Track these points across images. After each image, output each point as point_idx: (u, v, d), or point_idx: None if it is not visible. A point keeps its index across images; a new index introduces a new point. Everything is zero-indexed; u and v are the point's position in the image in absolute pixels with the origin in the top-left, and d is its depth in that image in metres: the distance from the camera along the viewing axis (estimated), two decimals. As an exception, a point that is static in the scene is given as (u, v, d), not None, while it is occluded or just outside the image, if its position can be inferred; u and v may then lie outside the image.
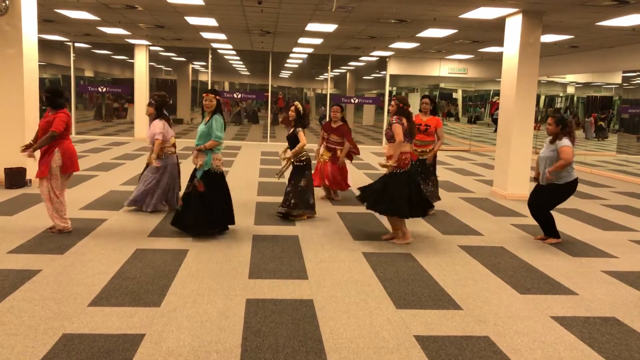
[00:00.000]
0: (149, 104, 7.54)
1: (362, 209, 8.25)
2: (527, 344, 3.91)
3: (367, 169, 12.95)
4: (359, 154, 9.12)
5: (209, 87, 19.99)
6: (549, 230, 6.81)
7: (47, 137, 6.03)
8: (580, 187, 11.36)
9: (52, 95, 6.17)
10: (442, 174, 12.59)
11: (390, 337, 3.93)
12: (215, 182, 6.40)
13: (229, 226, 6.74)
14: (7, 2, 8.64)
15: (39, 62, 9.45)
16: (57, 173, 6.14)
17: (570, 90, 27.52)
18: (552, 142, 6.51)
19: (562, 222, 7.94)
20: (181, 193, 7.42)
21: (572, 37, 12.55)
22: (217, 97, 6.40)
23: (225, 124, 6.48)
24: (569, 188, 6.54)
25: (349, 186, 9.01)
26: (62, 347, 3.58)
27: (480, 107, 32.63)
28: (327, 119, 9.15)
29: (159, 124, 7.36)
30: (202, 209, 6.31)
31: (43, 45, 12.51)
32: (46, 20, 13.45)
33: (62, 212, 6.29)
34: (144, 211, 7.49)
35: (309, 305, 4.47)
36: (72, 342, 3.66)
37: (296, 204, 7.42)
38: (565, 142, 6.38)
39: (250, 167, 12.58)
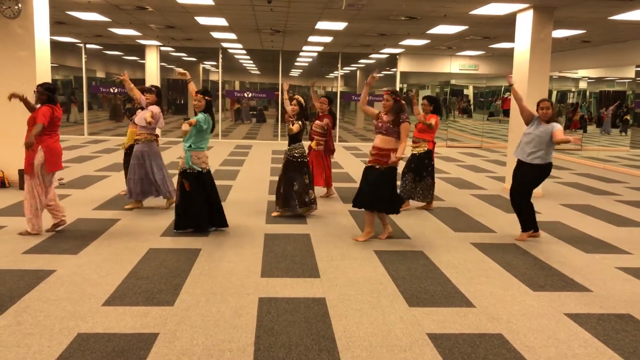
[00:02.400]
0: (150, 91, 7.59)
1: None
2: (540, 342, 3.89)
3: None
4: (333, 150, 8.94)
5: (220, 87, 20.07)
6: (528, 221, 6.71)
7: (35, 130, 6.01)
8: (593, 183, 11.32)
9: (52, 93, 6.23)
10: (453, 170, 12.56)
11: (403, 335, 3.93)
12: (197, 181, 6.43)
13: (225, 227, 6.77)
14: (20, 5, 8.72)
15: (51, 64, 9.53)
16: (38, 172, 6.15)
17: (583, 85, 27.29)
18: (547, 122, 6.46)
19: (575, 219, 7.89)
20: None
21: (584, 31, 12.45)
22: (207, 97, 6.47)
23: (214, 121, 6.57)
24: (548, 169, 6.52)
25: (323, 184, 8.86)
26: (78, 346, 3.62)
27: (495, 101, 32.49)
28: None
29: (157, 108, 7.53)
30: (183, 208, 6.49)
31: (55, 47, 12.60)
32: (58, 22, 13.56)
33: (38, 210, 6.26)
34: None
35: (321, 303, 4.47)
36: (87, 341, 3.69)
37: (290, 204, 7.44)
38: (559, 125, 6.42)
39: (261, 166, 12.61)
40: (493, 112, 31.53)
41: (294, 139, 7.39)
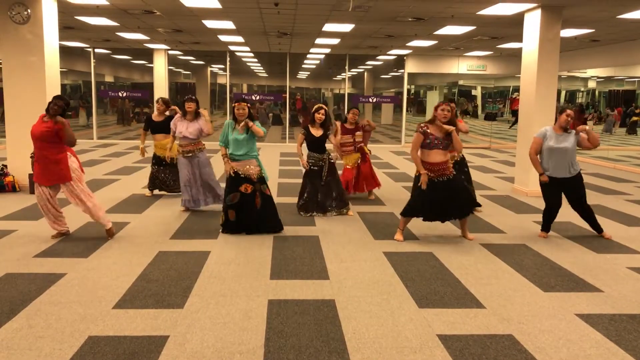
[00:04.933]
0: (191, 100, 7.70)
1: (382, 208, 8.26)
2: (552, 342, 3.86)
3: (387, 168, 12.91)
4: None
5: (227, 90, 20.11)
6: (596, 222, 6.87)
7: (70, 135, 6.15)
8: (603, 183, 11.25)
9: (67, 105, 6.23)
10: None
11: (413, 337, 3.92)
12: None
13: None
14: (29, 11, 8.79)
15: (60, 68, 9.59)
16: (76, 175, 6.29)
17: (592, 84, 27.16)
18: (566, 131, 6.49)
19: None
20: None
21: (593, 30, 12.38)
22: (249, 105, 6.60)
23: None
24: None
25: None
26: (89, 349, 3.63)
27: (500, 103, 32.41)
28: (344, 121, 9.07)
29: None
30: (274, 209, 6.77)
31: (64, 52, 12.72)
32: (67, 27, 13.66)
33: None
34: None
35: (330, 305, 4.47)
36: (98, 344, 3.71)
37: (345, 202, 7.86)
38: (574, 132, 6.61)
39: (270, 168, 12.62)
40: (497, 113, 31.40)
41: (324, 145, 7.69)
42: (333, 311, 4.34)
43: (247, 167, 6.54)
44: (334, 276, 5.19)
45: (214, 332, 3.92)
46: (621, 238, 6.82)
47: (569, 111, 6.47)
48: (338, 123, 8.25)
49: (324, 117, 7.52)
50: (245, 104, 6.53)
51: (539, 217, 7.81)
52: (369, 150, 8.80)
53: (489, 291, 4.88)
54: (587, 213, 6.77)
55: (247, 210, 6.56)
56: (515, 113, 25.05)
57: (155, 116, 8.73)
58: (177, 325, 4.04)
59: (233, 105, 6.59)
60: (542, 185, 6.63)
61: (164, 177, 8.74)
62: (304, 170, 7.71)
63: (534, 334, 3.99)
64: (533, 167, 6.71)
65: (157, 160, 8.71)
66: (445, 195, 6.21)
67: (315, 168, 7.61)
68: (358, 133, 8.60)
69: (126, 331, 3.92)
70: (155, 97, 18.62)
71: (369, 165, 8.74)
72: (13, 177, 9.06)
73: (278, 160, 14.15)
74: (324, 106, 7.68)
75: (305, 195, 7.70)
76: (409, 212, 6.46)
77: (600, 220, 7.78)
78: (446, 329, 4.06)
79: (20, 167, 9.01)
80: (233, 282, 4.99)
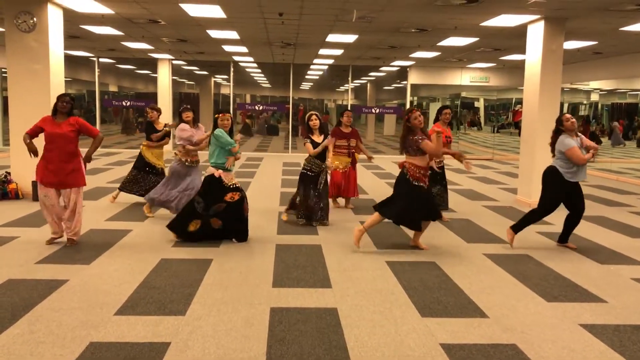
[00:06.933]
0: (188, 110, 7.75)
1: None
2: (555, 352, 3.84)
3: (389, 178, 12.90)
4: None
5: (231, 101, 20.14)
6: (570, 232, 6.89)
7: (98, 140, 6.28)
8: (606, 195, 11.23)
9: (73, 100, 6.26)
10: (465, 182, 12.51)
11: (416, 346, 3.89)
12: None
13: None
14: (35, 19, 8.85)
15: (65, 77, 9.63)
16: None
17: (594, 97, 27.17)
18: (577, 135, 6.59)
19: (589, 230, 7.82)
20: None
21: (596, 43, 12.42)
22: (231, 116, 6.67)
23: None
24: None
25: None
26: (90, 355, 3.62)
27: (503, 115, 32.44)
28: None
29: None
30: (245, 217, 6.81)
31: (69, 61, 12.72)
32: (72, 37, 13.74)
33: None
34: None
35: (333, 313, 4.45)
36: (99, 350, 3.69)
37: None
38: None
39: (273, 178, 12.63)
40: (503, 125, 31.42)
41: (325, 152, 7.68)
42: (335, 319, 4.32)
43: (231, 177, 6.61)
44: (337, 285, 5.18)
45: (216, 340, 3.90)
46: (625, 249, 6.79)
47: (567, 115, 6.61)
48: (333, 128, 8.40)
49: (318, 121, 7.60)
50: (229, 114, 6.57)
51: (543, 228, 7.81)
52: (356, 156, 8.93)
53: (492, 301, 4.85)
54: (578, 219, 6.74)
55: (231, 218, 6.62)
56: (517, 125, 25.09)
57: (155, 123, 8.76)
58: (178, 332, 4.02)
59: (216, 116, 6.52)
60: (558, 189, 6.48)
61: (147, 182, 8.65)
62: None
63: (537, 344, 3.97)
64: (580, 163, 6.42)
65: (142, 165, 8.70)
66: (424, 201, 6.32)
67: (311, 174, 7.57)
68: (353, 139, 8.71)
69: (127, 337, 3.90)
70: (160, 107, 18.72)
71: (355, 173, 8.89)
72: (16, 184, 9.08)
73: (281, 170, 14.16)
74: (314, 112, 7.75)
75: (298, 198, 7.71)
76: (394, 217, 6.41)
77: (604, 231, 7.78)
78: (449, 338, 4.04)
79: (24, 175, 9.03)
80: (235, 289, 4.97)
